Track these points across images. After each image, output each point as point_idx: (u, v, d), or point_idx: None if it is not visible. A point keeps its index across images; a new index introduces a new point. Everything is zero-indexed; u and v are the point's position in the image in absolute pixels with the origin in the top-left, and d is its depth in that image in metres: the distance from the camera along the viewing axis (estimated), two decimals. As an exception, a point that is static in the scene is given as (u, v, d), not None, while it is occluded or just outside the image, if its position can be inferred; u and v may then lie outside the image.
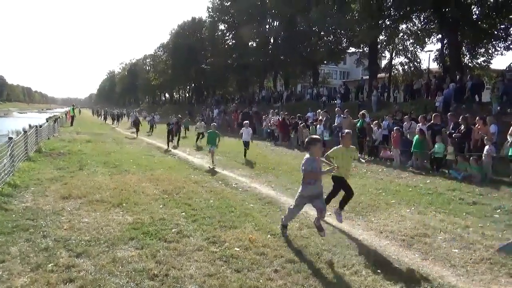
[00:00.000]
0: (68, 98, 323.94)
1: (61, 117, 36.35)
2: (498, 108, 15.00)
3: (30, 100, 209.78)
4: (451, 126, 12.66)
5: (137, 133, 25.74)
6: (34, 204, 6.97)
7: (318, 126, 17.28)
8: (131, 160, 13.14)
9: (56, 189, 8.27)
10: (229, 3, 42.65)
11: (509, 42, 21.32)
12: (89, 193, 7.96)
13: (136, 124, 26.58)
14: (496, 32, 21.64)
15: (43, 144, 15.54)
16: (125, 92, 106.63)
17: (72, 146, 16.36)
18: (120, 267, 4.50)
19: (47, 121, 24.10)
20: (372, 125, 15.03)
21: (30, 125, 16.37)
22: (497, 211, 7.59)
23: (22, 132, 12.08)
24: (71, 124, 33.04)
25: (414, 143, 12.67)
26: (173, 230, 5.89)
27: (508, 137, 10.59)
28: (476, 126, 11.64)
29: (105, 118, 50.81)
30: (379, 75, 29.39)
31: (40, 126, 16.79)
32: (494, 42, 22.40)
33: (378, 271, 4.73)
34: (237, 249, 5.19)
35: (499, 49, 22.38)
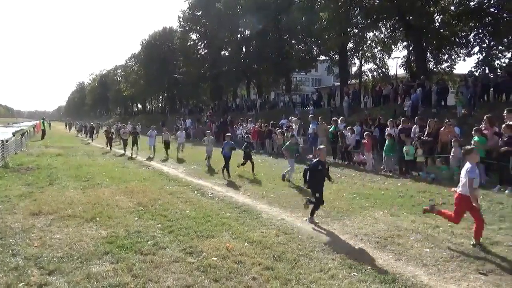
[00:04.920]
0: (35, 111, 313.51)
1: (28, 131, 35.05)
2: (463, 111, 15.65)
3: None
4: (417, 129, 13.06)
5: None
6: (2, 222, 6.72)
7: (291, 133, 17.46)
8: (104, 173, 12.86)
9: (25, 205, 7.99)
10: (200, 13, 42.69)
11: (470, 49, 22.42)
12: (61, 208, 7.74)
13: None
14: (457, 40, 22.72)
15: (10, 159, 14.99)
16: (96, 104, 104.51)
17: (41, 160, 15.85)
18: (95, 282, 4.41)
19: (13, 135, 23.25)
20: (345, 131, 15.33)
21: (-5, 140, 15.74)
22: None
23: (-13, 148, 11.63)
24: (42, 138, 31.76)
25: (385, 147, 13.04)
26: (149, 242, 5.81)
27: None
28: (444, 128, 12.02)
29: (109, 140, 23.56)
30: (350, 82, 30.12)
31: (7, 141, 16.18)
32: (456, 49, 23.53)
33: (354, 273, 4.83)
34: (215, 258, 5.18)
35: (461, 55, 23.57)
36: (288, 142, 12.65)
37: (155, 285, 4.38)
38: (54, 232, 6.23)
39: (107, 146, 23.24)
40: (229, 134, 15.24)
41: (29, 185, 10.38)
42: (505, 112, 10.52)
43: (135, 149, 19.75)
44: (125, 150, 20.80)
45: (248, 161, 13.31)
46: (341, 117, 17.11)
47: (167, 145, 19.13)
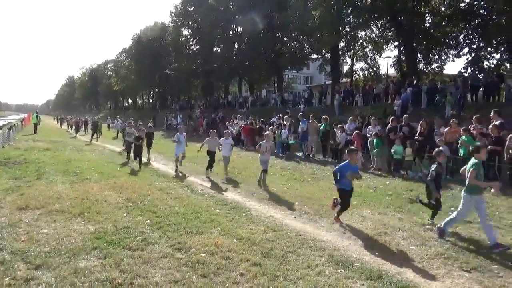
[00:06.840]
0: (24, 104, 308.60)
1: (16, 124, 34.47)
2: (451, 111, 15.83)
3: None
4: (402, 128, 13.18)
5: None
6: (-12, 217, 6.64)
7: (283, 130, 17.54)
8: (93, 168, 12.76)
9: (12, 200, 7.91)
10: (192, 8, 42.46)
11: (459, 50, 22.71)
12: (48, 203, 7.68)
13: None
14: (447, 41, 23.02)
15: (-3, 153, 14.78)
16: (86, 98, 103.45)
17: (29, 154, 15.65)
18: (83, 277, 4.40)
19: (1, 129, 22.92)
20: (335, 129, 15.41)
21: (-18, 134, 15.50)
22: (451, 209, 8.00)
23: (-26, 141, 11.44)
24: (35, 132, 31.03)
25: (374, 146, 13.15)
26: (137, 238, 5.81)
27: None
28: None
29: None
30: (341, 80, 30.27)
31: (-6, 134, 15.95)
32: (446, 49, 23.85)
33: (341, 270, 4.90)
34: (203, 254, 5.20)
35: (450, 56, 23.90)
36: (474, 163, 5.98)
37: (143, 281, 4.38)
38: (41, 227, 6.19)
39: (128, 158, 15.26)
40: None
41: (17, 179, 10.27)
42: (491, 113, 10.71)
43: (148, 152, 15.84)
44: (132, 155, 14.79)
45: None
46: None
47: (212, 157, 12.68)
